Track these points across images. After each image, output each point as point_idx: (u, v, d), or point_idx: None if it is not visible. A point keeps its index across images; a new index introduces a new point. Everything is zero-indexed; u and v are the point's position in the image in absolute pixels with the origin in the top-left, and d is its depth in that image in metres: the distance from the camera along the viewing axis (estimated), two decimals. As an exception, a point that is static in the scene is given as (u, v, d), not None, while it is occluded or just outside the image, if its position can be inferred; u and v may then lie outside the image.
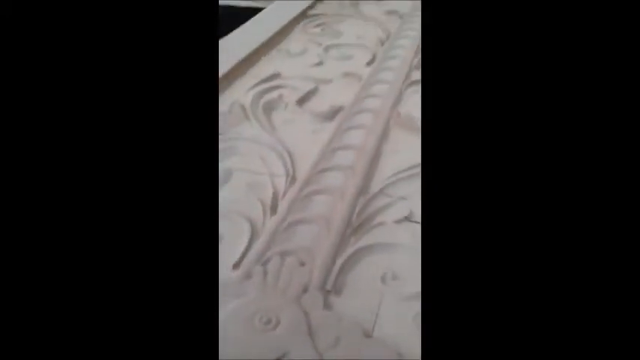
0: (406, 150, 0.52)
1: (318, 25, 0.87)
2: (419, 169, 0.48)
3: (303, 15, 0.91)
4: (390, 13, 0.92)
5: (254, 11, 1.06)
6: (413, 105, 0.61)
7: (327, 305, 0.34)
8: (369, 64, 0.72)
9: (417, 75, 0.68)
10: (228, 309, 0.33)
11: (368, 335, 0.32)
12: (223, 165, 0.50)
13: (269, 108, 0.61)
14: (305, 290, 0.35)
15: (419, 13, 0.90)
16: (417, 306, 0.34)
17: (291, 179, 0.47)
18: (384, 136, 0.54)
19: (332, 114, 0.58)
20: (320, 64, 0.73)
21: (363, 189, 0.45)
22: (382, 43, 0.79)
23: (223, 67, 0.68)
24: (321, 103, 0.62)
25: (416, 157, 0.49)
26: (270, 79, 0.67)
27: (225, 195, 0.45)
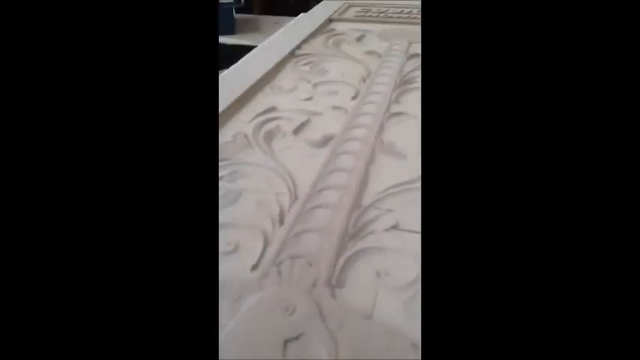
0: (390, 171, 0.60)
1: (306, 64, 0.97)
2: (403, 187, 0.56)
3: (291, 54, 1.01)
4: (370, 53, 1.02)
5: (244, 49, 1.16)
6: (394, 134, 0.70)
7: (333, 296, 0.41)
8: (353, 98, 0.81)
9: (396, 108, 0.77)
10: (250, 302, 0.40)
11: (368, 317, 0.39)
12: (232, 186, 0.57)
13: (269, 137, 0.69)
14: (314, 285, 0.42)
15: (396, 53, 1.01)
16: (405, 294, 0.41)
17: (294, 197, 0.54)
18: (370, 160, 0.63)
19: (324, 142, 0.67)
20: (310, 98, 0.82)
21: (356, 204, 0.53)
22: (364, 80, 0.88)
23: (224, 103, 0.76)
24: (314, 132, 0.70)
25: (399, 177, 0.58)
26: (267, 112, 0.76)
27: (238, 211, 0.53)
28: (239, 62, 0.97)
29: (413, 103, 0.80)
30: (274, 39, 1.14)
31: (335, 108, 0.77)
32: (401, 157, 0.64)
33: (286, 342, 0.36)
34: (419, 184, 0.57)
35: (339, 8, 1.37)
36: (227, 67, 0.94)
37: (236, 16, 2.35)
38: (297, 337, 0.37)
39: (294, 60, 0.99)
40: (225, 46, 1.93)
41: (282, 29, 1.24)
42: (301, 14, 1.38)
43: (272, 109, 0.77)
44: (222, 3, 2.15)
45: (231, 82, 0.85)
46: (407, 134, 0.69)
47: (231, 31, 2.19)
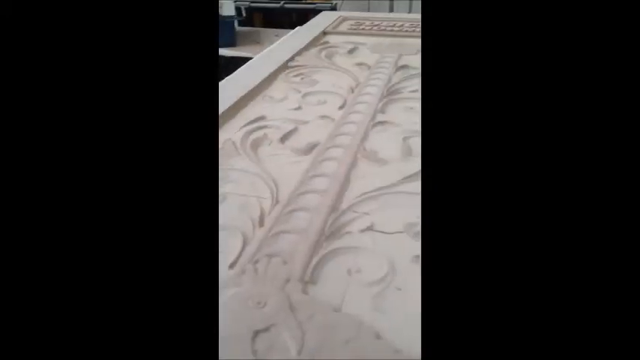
0: (370, 177, 0.63)
1: (297, 75, 1.00)
2: (380, 191, 0.59)
3: (284, 66, 1.04)
4: (360, 64, 1.06)
5: (242, 60, 1.20)
6: (377, 141, 0.72)
7: (304, 291, 0.43)
8: (340, 107, 0.84)
9: (381, 117, 0.80)
10: (227, 295, 0.43)
11: (337, 310, 0.41)
12: (219, 190, 0.60)
13: (256, 144, 0.72)
14: (287, 281, 0.44)
15: (385, 64, 1.04)
16: (374, 290, 0.44)
17: (276, 200, 0.57)
18: (352, 166, 0.65)
19: (309, 149, 0.70)
20: (299, 108, 0.85)
21: (334, 207, 0.56)
22: (352, 91, 0.91)
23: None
24: (299, 140, 0.73)
25: (378, 182, 0.60)
26: (256, 120, 0.79)
27: (221, 213, 0.55)
28: (234, 73, 1.00)
29: (398, 112, 0.83)
30: (270, 51, 1.18)
31: (322, 117, 0.80)
32: (382, 164, 0.66)
33: (256, 333, 0.39)
34: (396, 189, 0.60)
35: (334, 21, 1.41)
36: (224, 77, 0.98)
37: (238, 28, 2.41)
38: (267, 329, 0.39)
39: (287, 71, 1.02)
40: (224, 57, 1.98)
41: (278, 41, 1.28)
42: (298, 27, 1.42)
43: (261, 117, 0.80)
44: (224, 16, 2.21)
45: (225, 91, 0.88)
46: (389, 142, 0.72)
47: (232, 43, 2.24)
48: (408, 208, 0.56)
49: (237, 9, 2.38)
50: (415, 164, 0.65)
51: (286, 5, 2.36)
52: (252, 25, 2.51)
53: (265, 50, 1.20)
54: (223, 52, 2.06)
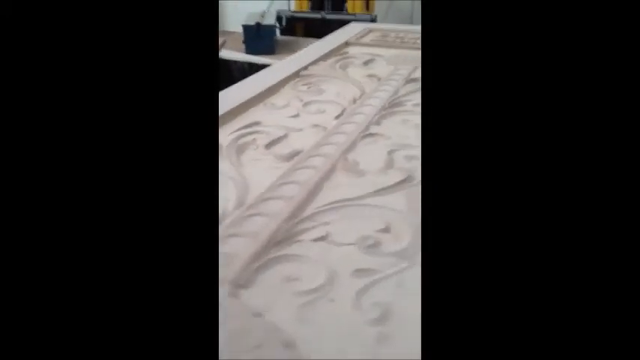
0: (343, 188, 0.62)
1: (306, 84, 1.02)
2: (347, 202, 0.58)
3: (295, 75, 1.06)
4: (371, 76, 1.05)
5: (262, 67, 1.23)
6: (362, 153, 0.72)
7: (234, 294, 0.44)
8: (337, 117, 0.84)
9: (374, 129, 0.79)
10: (161, 292, 0.44)
11: (257, 315, 0.41)
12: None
13: (242, 149, 0.73)
14: (221, 284, 0.45)
15: (396, 77, 1.03)
16: (304, 299, 0.43)
17: (240, 204, 0.58)
18: (327, 175, 0.65)
19: (291, 156, 0.70)
20: (296, 116, 0.86)
21: (294, 215, 0.56)
22: (354, 101, 0.91)
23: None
24: (285, 147, 0.74)
25: (350, 193, 0.60)
26: (250, 125, 0.80)
27: (186, 213, 0.57)
28: (244, 80, 1.03)
29: (393, 125, 0.81)
30: (288, 60, 1.20)
31: (315, 125, 0.81)
32: (359, 175, 0.66)
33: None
34: (363, 201, 0.59)
35: (359, 32, 1.41)
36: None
37: (279, 37, 2.47)
38: (184, 326, 0.40)
39: (296, 80, 1.03)
40: (252, 64, 2.04)
41: (300, 51, 1.30)
42: (325, 37, 1.44)
43: (255, 123, 0.82)
44: (265, 25, 2.27)
45: (229, 98, 0.91)
46: (374, 154, 0.71)
47: (271, 51, 2.30)
48: (369, 221, 0.55)
49: (279, 18, 2.44)
50: (392, 177, 0.64)
51: (327, 16, 2.39)
52: (294, 35, 2.55)
53: (286, 59, 1.22)
54: (252, 58, 2.12)
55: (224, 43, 2.35)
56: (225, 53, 2.17)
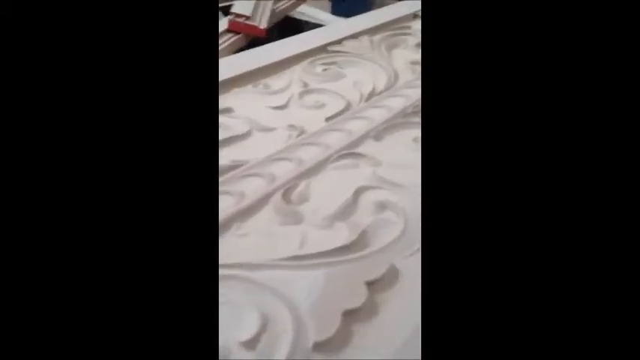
0: (248, 241, 0.43)
1: (325, 64, 0.80)
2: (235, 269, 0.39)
3: (321, 49, 0.84)
4: (414, 63, 0.80)
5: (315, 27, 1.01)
6: (320, 184, 0.51)
7: None
8: (328, 119, 0.63)
9: (366, 147, 0.57)
10: None
11: None
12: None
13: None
14: None
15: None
16: None
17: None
18: (247, 211, 0.46)
19: (225, 170, 0.52)
20: (284, 107, 0.66)
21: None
22: (369, 97, 0.68)
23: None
24: (230, 152, 0.55)
25: (252, 255, 0.41)
26: (221, 112, 0.62)
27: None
28: (256, 48, 0.84)
29: (395, 144, 0.58)
30: (328, 27, 0.98)
31: (291, 127, 0.60)
32: (291, 221, 0.45)
33: None
34: (256, 274, 0.39)
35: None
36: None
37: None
38: None
39: (317, 57, 0.81)
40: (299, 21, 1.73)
41: (353, 18, 1.06)
42: (394, 3, 1.17)
43: (226, 110, 0.64)
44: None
45: (226, 67, 0.73)
46: (337, 189, 0.49)
47: (366, 8, 2.03)
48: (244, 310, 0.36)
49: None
50: (332, 236, 0.43)
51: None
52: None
53: (325, 26, 1.00)
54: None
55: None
56: (305, 9, 1.89)
